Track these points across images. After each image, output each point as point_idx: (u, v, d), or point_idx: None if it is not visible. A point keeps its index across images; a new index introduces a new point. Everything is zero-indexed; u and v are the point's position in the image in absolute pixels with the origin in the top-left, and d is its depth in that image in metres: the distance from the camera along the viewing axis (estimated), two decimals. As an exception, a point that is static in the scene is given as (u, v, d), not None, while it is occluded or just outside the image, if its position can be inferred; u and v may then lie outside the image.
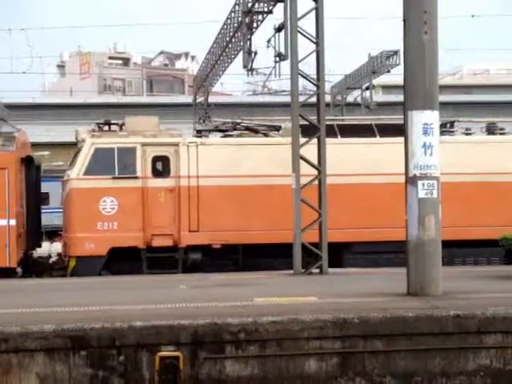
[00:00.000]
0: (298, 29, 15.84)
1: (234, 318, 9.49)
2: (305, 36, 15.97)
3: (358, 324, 9.50)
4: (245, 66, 19.65)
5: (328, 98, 27.46)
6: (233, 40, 21.49)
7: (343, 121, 21.34)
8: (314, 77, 16.35)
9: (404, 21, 11.56)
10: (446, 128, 19.21)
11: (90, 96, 48.66)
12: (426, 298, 10.92)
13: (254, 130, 19.18)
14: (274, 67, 18.35)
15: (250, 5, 17.98)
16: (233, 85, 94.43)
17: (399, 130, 16.00)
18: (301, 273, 15.49)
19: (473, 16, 52.12)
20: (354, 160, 17.82)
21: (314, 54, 16.26)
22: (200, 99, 29.07)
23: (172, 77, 65.46)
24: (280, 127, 19.06)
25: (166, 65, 72.70)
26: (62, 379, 9.05)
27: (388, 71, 26.61)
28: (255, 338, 9.38)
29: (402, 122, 11.76)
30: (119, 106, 39.10)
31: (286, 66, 16.64)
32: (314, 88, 16.64)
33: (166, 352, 9.08)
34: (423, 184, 11.34)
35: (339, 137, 18.33)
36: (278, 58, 17.73)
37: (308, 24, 16.12)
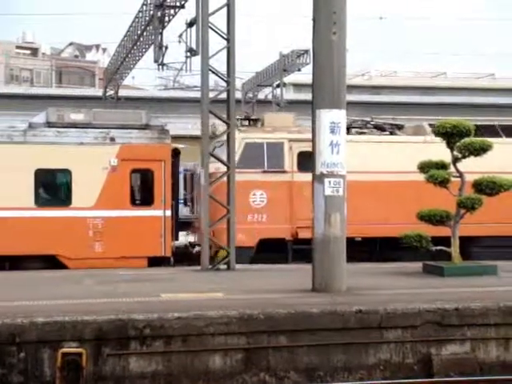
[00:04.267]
0: (210, 25, 15.80)
1: (140, 314, 9.43)
2: (216, 32, 15.94)
3: (263, 320, 9.58)
4: (156, 61, 19.54)
5: (239, 95, 27.63)
6: (144, 33, 21.32)
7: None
8: (225, 73, 16.35)
9: (313, 20, 11.70)
10: None
11: (-4, 86, 47.23)
12: (330, 294, 11.11)
13: (381, 129, 19.66)
14: (185, 62, 18.32)
15: (162, -2, 17.87)
16: (144, 79, 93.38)
17: None
18: (208, 268, 15.49)
19: (381, 18, 53.18)
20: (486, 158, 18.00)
21: (226, 51, 16.25)
22: (110, 92, 28.72)
23: (82, 69, 64.33)
24: (403, 126, 19.79)
25: (76, 56, 71.40)
26: (-42, 377, 8.80)
27: (299, 70, 26.99)
28: (160, 334, 9.34)
29: None
30: (26, 97, 38.15)
31: (198, 61, 16.59)
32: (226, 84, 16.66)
33: (69, 348, 8.93)
34: (330, 182, 11.55)
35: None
36: (189, 54, 17.69)
37: (220, 20, 16.13)
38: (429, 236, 14.70)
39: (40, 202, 17.04)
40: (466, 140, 14.54)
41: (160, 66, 20.03)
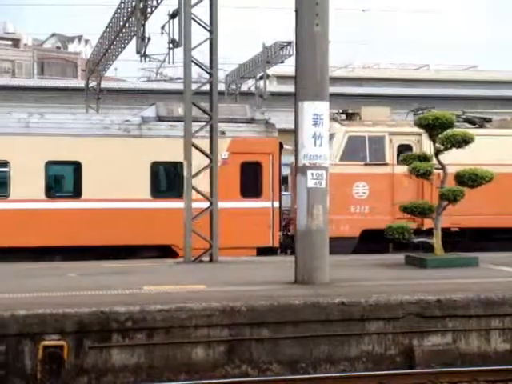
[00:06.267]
0: (192, 16, 15.73)
1: (122, 306, 9.39)
2: (198, 23, 15.87)
3: (245, 312, 9.57)
4: (138, 52, 19.46)
5: (222, 87, 27.58)
6: (126, 25, 21.23)
7: None
8: (208, 65, 16.28)
9: (296, 12, 11.67)
10: None
11: (-23, 77, 46.82)
12: (312, 286, 11.12)
13: (472, 122, 20.05)
14: (168, 54, 18.26)
15: (144, -11, 17.77)
16: (127, 71, 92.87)
17: None
18: (191, 261, 15.46)
19: (363, 10, 53.29)
20: None
21: (209, 42, 16.17)
22: (93, 84, 28.58)
23: (64, 60, 63.85)
24: (490, 119, 20.33)
25: (58, 47, 70.80)
26: None
27: (282, 61, 26.98)
28: (143, 327, 9.32)
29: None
30: (8, 89, 37.86)
31: (180, 53, 16.51)
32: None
33: (50, 341, 8.88)
34: (312, 174, 11.53)
35: None
36: (171, 45, 17.62)
37: (203, 12, 16.05)
38: (411, 228, 14.77)
39: (156, 194, 17.50)
40: (448, 132, 14.59)
41: (142, 58, 19.97)
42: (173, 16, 17.18)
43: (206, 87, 16.32)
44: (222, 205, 16.59)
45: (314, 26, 11.46)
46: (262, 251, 17.94)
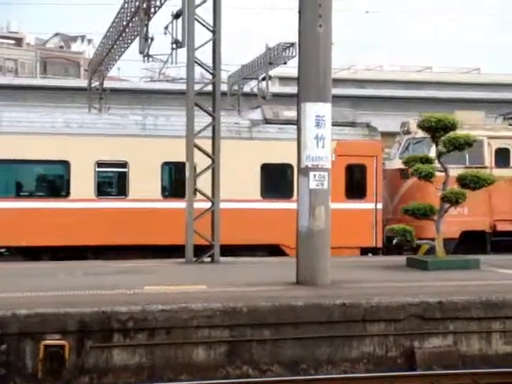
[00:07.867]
0: (196, 16, 15.75)
1: (123, 306, 9.40)
2: (202, 24, 15.88)
3: (246, 313, 9.58)
4: (141, 52, 19.46)
5: (225, 88, 27.56)
6: (130, 25, 21.23)
7: None
8: (211, 65, 16.29)
9: (299, 13, 11.67)
10: None
11: (-20, 76, 46.80)
12: (314, 287, 11.13)
13: None
14: (171, 54, 18.26)
15: (147, -10, 17.77)
16: (130, 70, 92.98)
17: None
18: (192, 261, 15.46)
19: (367, 12, 53.16)
20: None
21: (212, 43, 16.18)
22: (95, 83, 28.58)
23: (67, 59, 63.91)
24: None
25: (61, 47, 70.94)
26: None
27: (285, 63, 26.92)
28: (144, 327, 9.33)
29: None
30: (10, 88, 37.83)
31: (183, 53, 16.53)
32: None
33: (51, 340, 8.89)
34: (314, 175, 11.55)
35: None
36: (174, 45, 17.63)
37: (206, 12, 16.08)
38: (413, 230, 14.76)
39: (265, 195, 17.98)
40: (451, 134, 14.58)
41: (145, 58, 19.97)
42: (176, 16, 17.21)
43: (209, 88, 16.33)
44: None
45: (317, 27, 11.47)
46: (365, 251, 18.39)
